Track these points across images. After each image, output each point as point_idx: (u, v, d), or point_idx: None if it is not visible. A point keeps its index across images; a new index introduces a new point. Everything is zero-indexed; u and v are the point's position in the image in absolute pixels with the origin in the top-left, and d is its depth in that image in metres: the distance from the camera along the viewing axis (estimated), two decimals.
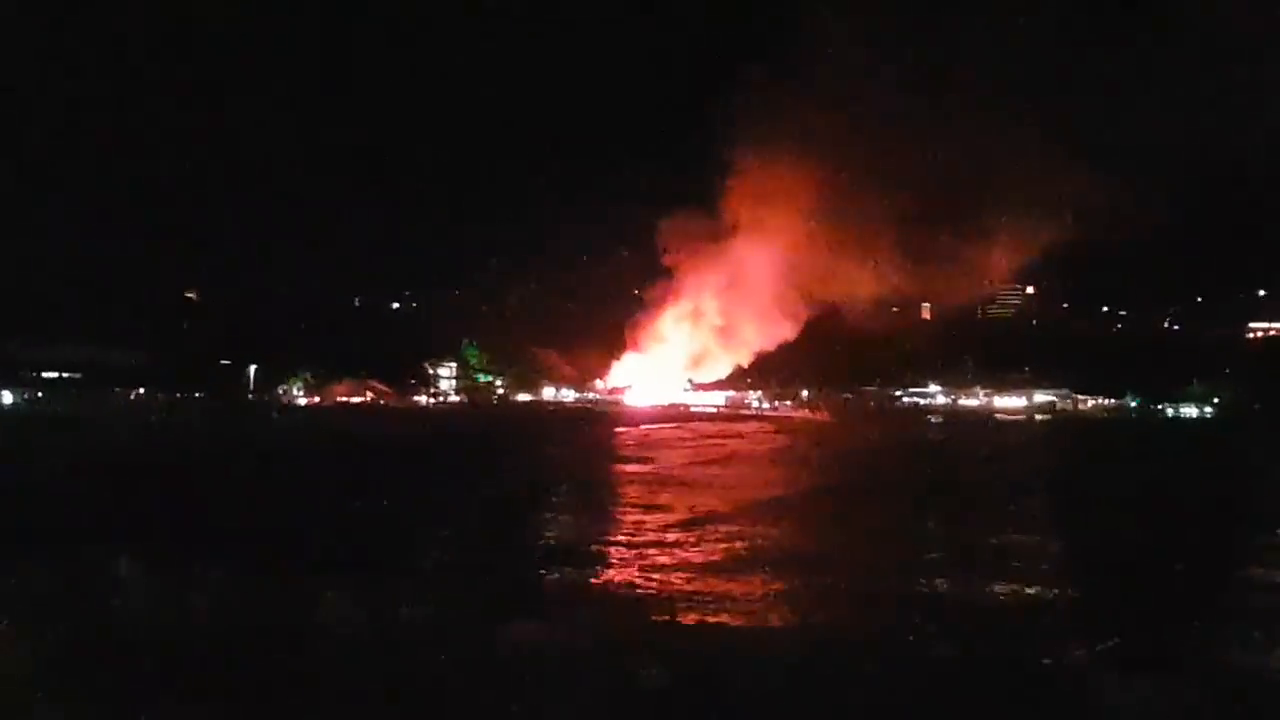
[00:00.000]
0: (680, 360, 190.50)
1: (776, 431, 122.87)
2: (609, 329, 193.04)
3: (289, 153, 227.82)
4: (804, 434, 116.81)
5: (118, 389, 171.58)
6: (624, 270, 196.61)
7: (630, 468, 66.32)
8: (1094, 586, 28.67)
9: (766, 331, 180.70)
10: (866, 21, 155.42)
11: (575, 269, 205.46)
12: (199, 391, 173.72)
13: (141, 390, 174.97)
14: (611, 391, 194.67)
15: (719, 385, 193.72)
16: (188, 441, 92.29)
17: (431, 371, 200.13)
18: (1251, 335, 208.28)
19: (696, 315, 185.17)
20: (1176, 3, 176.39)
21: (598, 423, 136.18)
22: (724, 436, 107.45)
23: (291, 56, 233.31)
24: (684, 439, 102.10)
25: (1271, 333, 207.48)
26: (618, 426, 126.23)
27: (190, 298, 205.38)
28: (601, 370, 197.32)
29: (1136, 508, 46.75)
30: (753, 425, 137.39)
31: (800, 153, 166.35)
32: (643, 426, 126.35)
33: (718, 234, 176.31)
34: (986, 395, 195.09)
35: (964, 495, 51.42)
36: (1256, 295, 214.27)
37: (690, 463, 70.63)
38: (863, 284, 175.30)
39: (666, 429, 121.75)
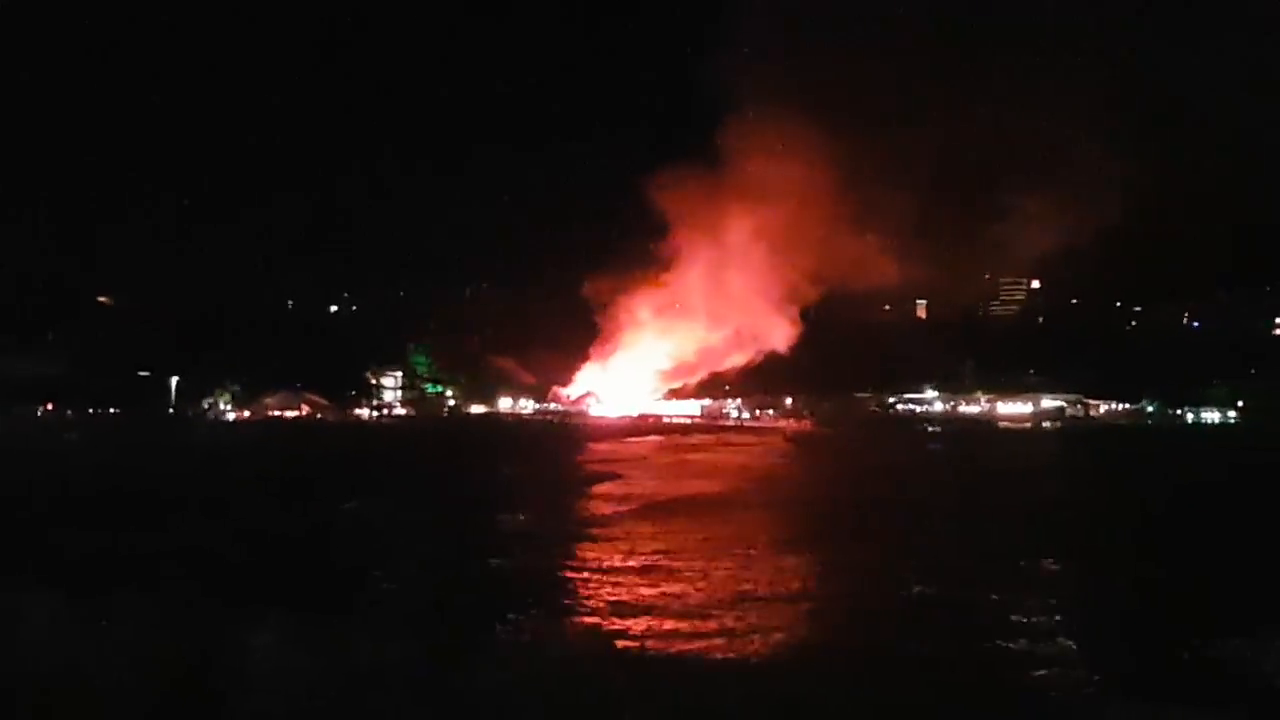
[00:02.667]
0: (652, 366, 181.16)
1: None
2: (573, 333, 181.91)
3: (212, 141, 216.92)
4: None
5: (18, 406, 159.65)
6: (589, 268, 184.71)
7: None
8: None
9: (749, 334, 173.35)
10: None
11: (534, 267, 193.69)
12: (114, 406, 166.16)
13: (50, 406, 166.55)
14: (576, 401, 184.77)
15: (694, 393, 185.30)
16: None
17: (374, 382, 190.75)
18: (1278, 331, 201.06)
19: (670, 316, 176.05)
20: None
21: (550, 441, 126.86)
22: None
23: (214, 42, 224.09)
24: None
25: None
26: (580, 444, 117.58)
27: (103, 302, 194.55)
28: (564, 378, 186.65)
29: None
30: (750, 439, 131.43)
31: (782, 139, 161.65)
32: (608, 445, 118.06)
33: (694, 226, 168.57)
34: (989, 401, 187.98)
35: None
36: None
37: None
38: (853, 280, 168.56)
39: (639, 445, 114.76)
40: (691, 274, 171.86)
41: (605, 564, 38.97)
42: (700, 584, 34.78)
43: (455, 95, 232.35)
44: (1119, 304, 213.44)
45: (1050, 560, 40.09)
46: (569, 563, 39.30)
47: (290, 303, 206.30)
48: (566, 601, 32.66)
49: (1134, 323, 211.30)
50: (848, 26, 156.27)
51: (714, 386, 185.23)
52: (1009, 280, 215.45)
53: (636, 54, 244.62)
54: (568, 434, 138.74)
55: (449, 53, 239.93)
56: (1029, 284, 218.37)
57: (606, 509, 56.19)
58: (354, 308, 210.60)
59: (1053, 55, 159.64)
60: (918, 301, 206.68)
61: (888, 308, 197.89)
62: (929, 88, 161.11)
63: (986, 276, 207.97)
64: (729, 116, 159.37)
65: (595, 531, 47.53)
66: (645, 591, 33.84)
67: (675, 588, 34.16)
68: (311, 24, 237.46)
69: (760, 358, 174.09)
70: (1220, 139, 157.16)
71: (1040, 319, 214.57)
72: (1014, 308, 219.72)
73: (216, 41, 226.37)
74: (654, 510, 54.86)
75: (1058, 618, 30.51)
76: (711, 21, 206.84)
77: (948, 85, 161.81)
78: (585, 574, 36.96)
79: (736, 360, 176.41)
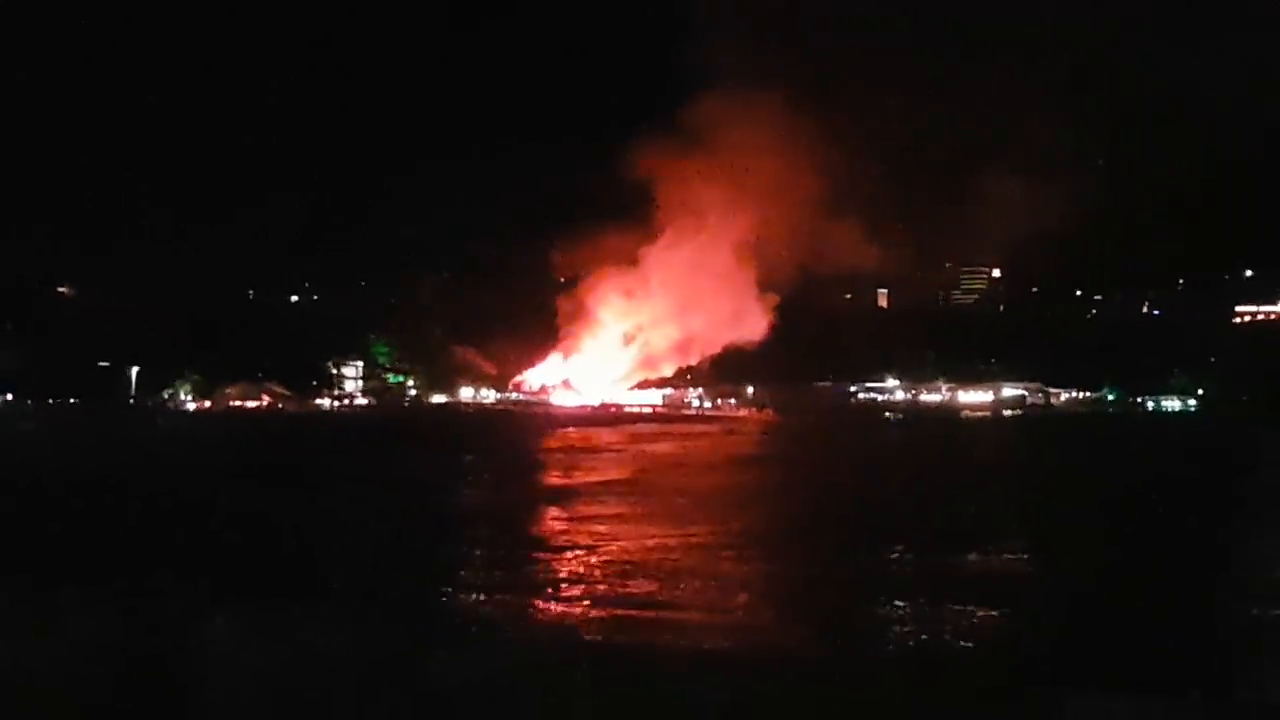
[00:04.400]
0: (614, 356, 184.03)
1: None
2: (534, 322, 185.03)
3: (173, 130, 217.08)
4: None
5: None
6: (551, 257, 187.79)
7: None
8: None
9: (717, 322, 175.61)
10: None
11: (496, 256, 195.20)
12: (74, 397, 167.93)
13: (9, 396, 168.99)
14: (539, 391, 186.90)
15: (657, 382, 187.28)
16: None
17: (335, 371, 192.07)
18: (1238, 320, 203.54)
19: (635, 303, 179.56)
20: None
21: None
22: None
23: (177, 33, 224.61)
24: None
25: (1260, 317, 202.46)
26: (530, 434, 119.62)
27: (62, 292, 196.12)
28: (526, 367, 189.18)
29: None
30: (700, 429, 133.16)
31: (745, 128, 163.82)
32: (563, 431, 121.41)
33: (659, 214, 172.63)
34: (950, 390, 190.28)
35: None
36: (1243, 276, 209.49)
37: None
38: (815, 268, 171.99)
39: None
40: (657, 262, 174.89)
41: None
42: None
43: (416, 84, 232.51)
44: (1079, 293, 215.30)
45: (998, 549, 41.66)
46: None
47: (251, 292, 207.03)
48: None
49: (1094, 311, 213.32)
50: (812, 13, 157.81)
51: (677, 375, 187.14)
52: (970, 269, 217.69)
53: (602, 37, 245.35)
54: (522, 424, 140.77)
55: (405, 41, 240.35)
56: (990, 273, 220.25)
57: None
58: (315, 297, 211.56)
59: (1014, 44, 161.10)
60: (879, 290, 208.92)
61: (849, 296, 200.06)
62: (891, 76, 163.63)
63: (947, 265, 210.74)
64: (692, 103, 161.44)
65: None
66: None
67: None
68: (267, 14, 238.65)
69: (728, 346, 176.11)
70: (1181, 128, 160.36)
71: (1001, 307, 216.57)
72: (975, 296, 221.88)
73: (179, 33, 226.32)
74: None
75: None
76: (677, 6, 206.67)
77: (910, 74, 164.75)
78: None
79: (703, 350, 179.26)
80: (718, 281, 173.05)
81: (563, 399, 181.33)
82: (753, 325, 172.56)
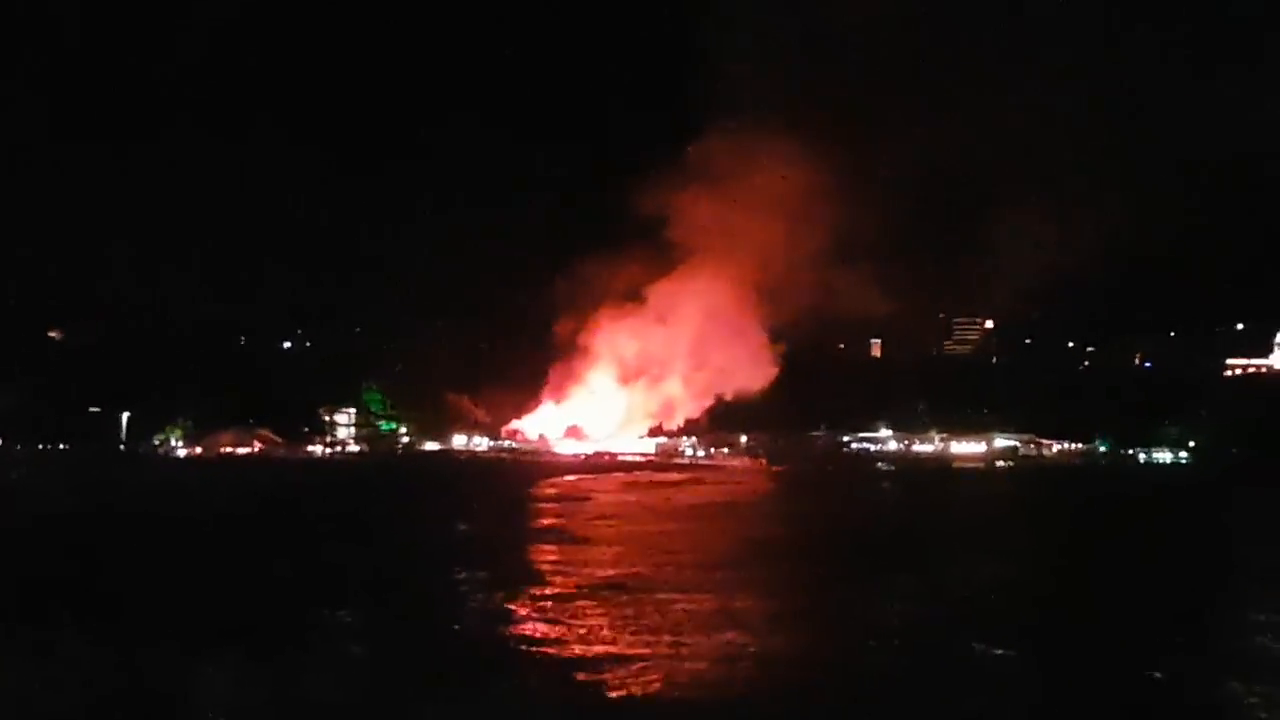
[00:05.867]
0: (612, 404, 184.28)
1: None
2: (528, 370, 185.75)
3: (162, 172, 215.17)
4: None
5: None
6: (546, 305, 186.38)
7: None
8: None
9: (721, 372, 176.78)
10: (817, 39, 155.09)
11: (490, 304, 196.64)
12: (65, 442, 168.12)
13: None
14: (538, 439, 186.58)
15: (650, 431, 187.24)
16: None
17: (328, 419, 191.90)
18: (1229, 372, 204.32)
19: (632, 353, 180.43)
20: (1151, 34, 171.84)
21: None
22: None
23: (161, 70, 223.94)
24: None
25: (1250, 370, 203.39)
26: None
27: (54, 337, 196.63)
28: (520, 415, 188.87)
29: None
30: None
31: (741, 180, 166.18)
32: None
33: (652, 266, 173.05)
34: (942, 440, 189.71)
35: None
36: (1234, 329, 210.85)
37: None
38: (810, 318, 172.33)
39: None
40: (657, 310, 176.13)
41: None
42: None
43: (413, 128, 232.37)
44: (1071, 344, 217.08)
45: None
46: None
47: (243, 339, 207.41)
48: None
49: (1087, 363, 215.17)
50: (820, 60, 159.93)
51: (670, 423, 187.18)
52: (962, 320, 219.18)
53: (597, 82, 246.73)
54: (507, 472, 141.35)
55: (405, 82, 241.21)
56: (983, 323, 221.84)
57: None
58: (308, 344, 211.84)
59: (1011, 100, 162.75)
60: (872, 340, 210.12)
61: (842, 346, 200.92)
62: (888, 128, 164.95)
63: (940, 315, 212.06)
64: (691, 149, 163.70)
65: None
66: None
67: None
68: (266, 49, 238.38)
69: (737, 394, 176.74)
70: (1176, 183, 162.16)
71: (994, 358, 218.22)
72: (968, 347, 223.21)
73: (171, 70, 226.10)
74: None
75: None
76: (677, 54, 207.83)
77: (907, 126, 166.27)
78: None
79: (709, 398, 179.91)
80: (724, 329, 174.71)
81: (559, 447, 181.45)
82: (761, 373, 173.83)
